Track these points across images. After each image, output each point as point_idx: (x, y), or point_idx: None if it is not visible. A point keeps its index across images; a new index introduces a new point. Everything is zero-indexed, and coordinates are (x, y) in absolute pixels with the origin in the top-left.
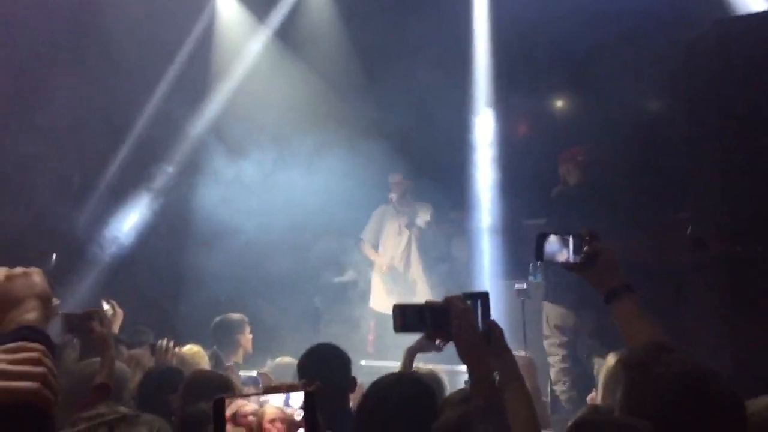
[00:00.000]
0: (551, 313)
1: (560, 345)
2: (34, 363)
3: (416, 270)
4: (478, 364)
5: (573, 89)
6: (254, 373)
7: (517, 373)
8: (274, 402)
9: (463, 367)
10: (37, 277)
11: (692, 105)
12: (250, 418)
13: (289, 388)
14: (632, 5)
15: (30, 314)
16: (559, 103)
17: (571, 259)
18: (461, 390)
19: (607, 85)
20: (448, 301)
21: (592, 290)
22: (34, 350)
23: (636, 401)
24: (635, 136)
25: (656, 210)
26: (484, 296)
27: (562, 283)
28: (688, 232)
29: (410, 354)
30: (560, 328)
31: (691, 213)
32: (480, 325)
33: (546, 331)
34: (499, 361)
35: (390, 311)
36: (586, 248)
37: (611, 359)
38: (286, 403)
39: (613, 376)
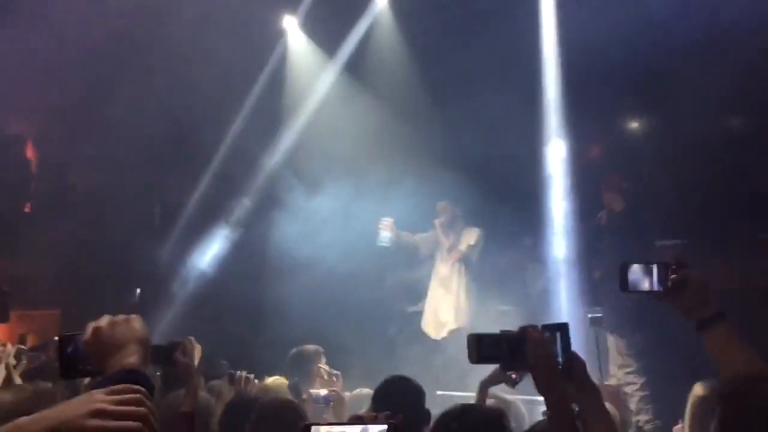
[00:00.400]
0: (619, 342)
1: (636, 372)
2: (137, 404)
3: (461, 295)
4: (556, 395)
5: (646, 111)
6: (325, 392)
7: (603, 408)
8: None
9: (542, 398)
10: (137, 323)
11: None
12: None
13: (372, 420)
14: (706, 22)
15: (131, 358)
16: (633, 125)
17: (656, 288)
18: (540, 422)
19: (682, 105)
20: (525, 331)
21: (647, 313)
22: (136, 392)
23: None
24: (715, 156)
25: (744, 231)
26: (564, 328)
27: (620, 308)
28: None
29: (483, 387)
30: (633, 356)
31: None
32: (560, 357)
33: (618, 360)
34: (582, 395)
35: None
36: (673, 276)
37: (699, 389)
38: None
39: (703, 406)
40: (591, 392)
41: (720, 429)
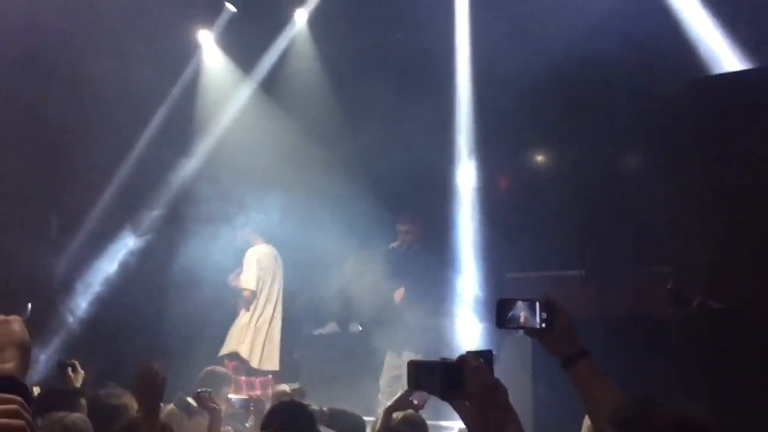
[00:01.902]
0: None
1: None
2: (14, 416)
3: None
4: (492, 422)
5: (552, 143)
6: (244, 396)
7: (502, 430)
8: None
9: (445, 422)
10: (17, 325)
11: (671, 159)
12: None
13: None
14: (611, 58)
15: (8, 364)
16: (538, 157)
17: (537, 325)
18: None
19: (588, 139)
20: (463, 359)
21: None
22: (11, 402)
23: None
24: (615, 189)
25: (633, 263)
26: (488, 354)
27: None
28: (669, 285)
29: (388, 413)
30: None
31: (670, 267)
32: None
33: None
34: (501, 420)
35: None
36: (543, 314)
37: (588, 420)
38: None
39: None
40: (513, 420)
41: None
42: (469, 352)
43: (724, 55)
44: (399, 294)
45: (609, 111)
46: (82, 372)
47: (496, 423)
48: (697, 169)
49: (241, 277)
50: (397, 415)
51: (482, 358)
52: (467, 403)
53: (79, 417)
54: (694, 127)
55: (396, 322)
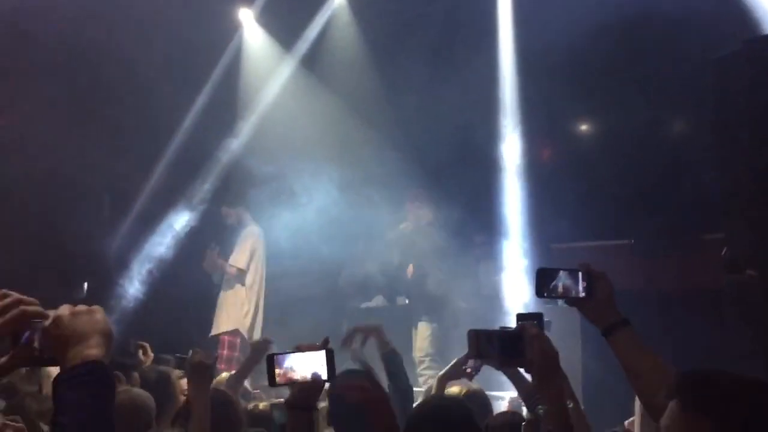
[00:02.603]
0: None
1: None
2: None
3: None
4: (553, 389)
5: (599, 111)
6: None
7: (563, 397)
8: None
9: (499, 393)
10: (99, 314)
11: (722, 124)
12: None
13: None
14: (660, 25)
15: (94, 350)
16: (584, 126)
17: (581, 294)
18: (503, 413)
19: (634, 106)
20: (522, 327)
21: None
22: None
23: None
24: (664, 156)
25: (686, 231)
26: (539, 317)
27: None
28: (723, 253)
29: (441, 381)
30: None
31: (724, 235)
32: None
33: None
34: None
35: None
36: (584, 283)
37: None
38: None
39: (644, 406)
40: (557, 379)
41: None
42: (529, 321)
43: None
44: (409, 270)
45: (656, 76)
46: (152, 355)
47: (557, 389)
48: (750, 133)
49: (234, 255)
50: (459, 389)
51: (534, 321)
52: (526, 370)
53: (143, 392)
54: (747, 90)
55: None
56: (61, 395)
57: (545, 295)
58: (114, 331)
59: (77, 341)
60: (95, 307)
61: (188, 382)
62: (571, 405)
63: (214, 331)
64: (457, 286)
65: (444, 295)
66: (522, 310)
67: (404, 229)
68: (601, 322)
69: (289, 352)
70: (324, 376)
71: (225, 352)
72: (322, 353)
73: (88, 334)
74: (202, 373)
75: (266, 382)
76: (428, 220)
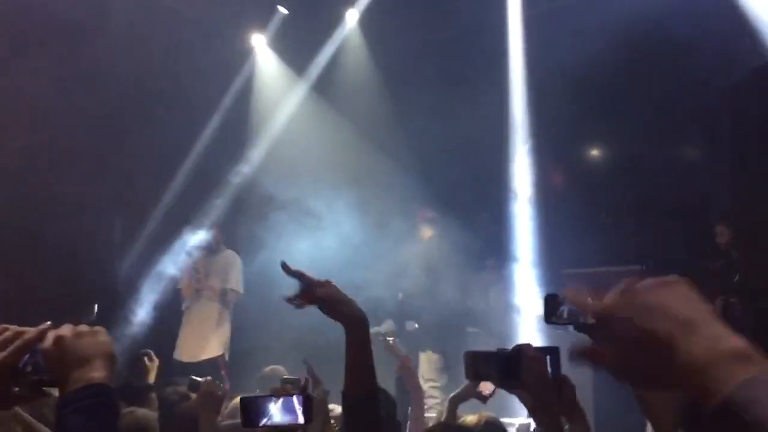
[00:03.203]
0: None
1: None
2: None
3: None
4: (548, 413)
5: (611, 138)
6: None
7: (587, 429)
8: None
9: (510, 419)
10: (103, 336)
11: (735, 150)
12: None
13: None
14: (670, 53)
15: (98, 372)
16: (596, 151)
17: (587, 320)
18: None
19: (647, 132)
20: (520, 349)
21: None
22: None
23: None
24: (674, 182)
25: (695, 258)
26: (555, 351)
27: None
28: (736, 280)
29: (453, 402)
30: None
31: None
32: (552, 378)
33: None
34: (569, 417)
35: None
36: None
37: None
38: None
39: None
40: (579, 415)
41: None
42: (527, 343)
43: None
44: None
45: (667, 103)
46: (156, 360)
47: (553, 412)
48: (762, 158)
49: (236, 281)
50: (477, 417)
51: (549, 354)
52: (524, 392)
53: (149, 413)
54: (756, 116)
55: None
56: (64, 419)
57: (553, 321)
58: (120, 354)
59: (80, 363)
60: (98, 328)
61: (198, 411)
62: None
63: (208, 355)
64: (467, 310)
65: (454, 317)
66: (532, 335)
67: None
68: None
69: (266, 396)
70: (300, 420)
71: (224, 373)
72: (299, 398)
73: (92, 357)
74: (212, 402)
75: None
76: (432, 236)
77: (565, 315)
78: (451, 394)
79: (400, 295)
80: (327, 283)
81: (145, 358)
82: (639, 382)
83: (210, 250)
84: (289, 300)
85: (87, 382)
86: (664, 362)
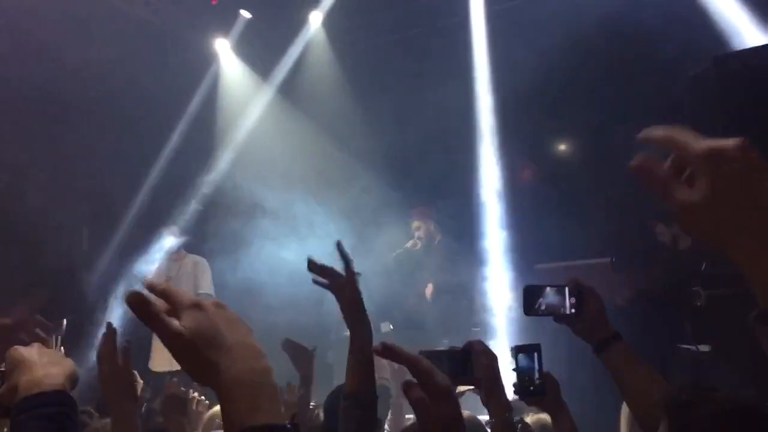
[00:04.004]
0: None
1: None
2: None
3: None
4: (497, 406)
5: (576, 131)
6: None
7: (572, 425)
8: None
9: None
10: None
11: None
12: None
13: None
14: (634, 44)
15: (59, 378)
16: (561, 146)
17: (568, 311)
18: None
19: (612, 124)
20: (470, 345)
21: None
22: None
23: None
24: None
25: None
26: (538, 348)
27: None
28: (703, 268)
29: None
30: None
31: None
32: (537, 376)
33: None
34: (553, 412)
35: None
36: (572, 299)
37: (626, 408)
38: None
39: (638, 421)
40: (561, 410)
41: None
42: (476, 339)
43: (745, 30)
44: (429, 290)
45: (629, 94)
46: (141, 382)
47: (502, 403)
48: None
49: (207, 284)
50: None
51: (535, 352)
52: (475, 386)
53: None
54: (718, 105)
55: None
56: (23, 426)
57: (533, 313)
58: (92, 367)
59: (39, 368)
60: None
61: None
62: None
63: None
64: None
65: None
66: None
67: (412, 248)
68: (592, 338)
69: None
70: None
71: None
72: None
73: (53, 364)
74: (177, 405)
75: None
76: (434, 236)
77: (543, 307)
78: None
79: (390, 326)
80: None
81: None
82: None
83: (178, 256)
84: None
85: (47, 388)
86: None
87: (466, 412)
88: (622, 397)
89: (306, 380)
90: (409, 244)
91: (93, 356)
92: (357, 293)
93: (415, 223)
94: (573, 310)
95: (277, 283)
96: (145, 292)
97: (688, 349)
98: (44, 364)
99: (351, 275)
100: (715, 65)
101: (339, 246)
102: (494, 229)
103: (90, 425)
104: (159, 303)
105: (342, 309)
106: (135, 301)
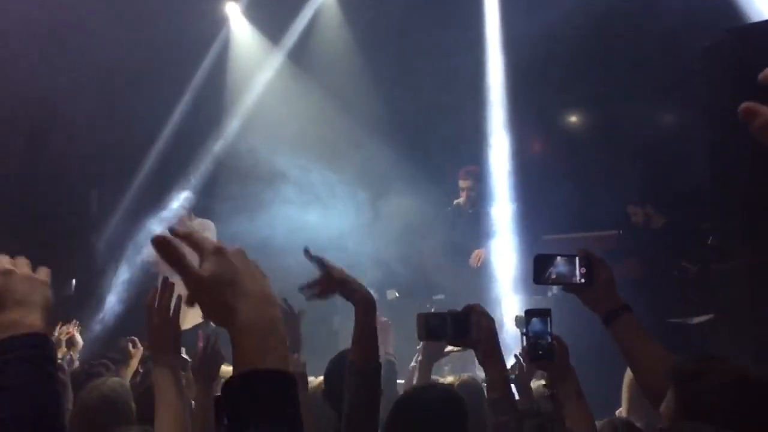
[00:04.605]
0: None
1: None
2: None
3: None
4: (495, 366)
5: (585, 103)
6: None
7: (578, 390)
8: None
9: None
10: (43, 279)
11: (710, 114)
12: None
13: None
14: (644, 16)
15: (35, 319)
16: (570, 118)
17: (578, 280)
18: None
19: (622, 98)
20: (470, 308)
21: None
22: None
23: (696, 411)
24: (652, 147)
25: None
26: (548, 312)
27: None
28: (710, 242)
29: (424, 367)
30: None
31: (713, 222)
32: (548, 339)
33: None
34: (560, 376)
35: None
36: (582, 269)
37: (629, 375)
38: None
39: (644, 391)
40: (569, 374)
41: (680, 409)
42: (533, 315)
43: (760, 2)
44: (478, 255)
45: (642, 66)
46: (141, 348)
47: (499, 365)
48: (736, 120)
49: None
50: (453, 378)
51: (547, 317)
52: (473, 347)
53: (116, 381)
54: (732, 78)
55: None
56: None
57: (543, 281)
58: (101, 333)
59: (13, 306)
60: (41, 270)
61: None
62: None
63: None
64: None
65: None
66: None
67: (463, 205)
68: (602, 309)
69: None
70: None
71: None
72: None
73: (30, 302)
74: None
75: None
76: (475, 200)
77: (554, 276)
78: (417, 359)
79: (396, 294)
80: (340, 270)
81: (129, 344)
82: None
83: (186, 218)
84: (306, 288)
85: (26, 330)
86: None
87: (465, 375)
88: (629, 368)
89: (294, 345)
90: (461, 199)
91: (101, 316)
92: (349, 276)
93: (466, 182)
94: (583, 280)
95: (282, 248)
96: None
97: (680, 323)
98: (24, 300)
99: (328, 274)
100: (731, 36)
101: (307, 253)
102: (503, 200)
103: (104, 375)
104: (182, 248)
105: (340, 294)
106: (160, 243)
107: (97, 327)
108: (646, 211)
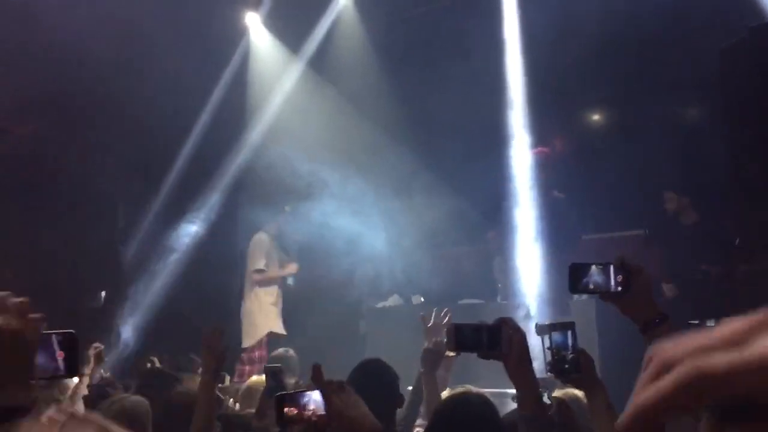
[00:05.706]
0: None
1: None
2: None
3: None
4: (526, 381)
5: (607, 103)
6: None
7: (607, 402)
8: None
9: (510, 390)
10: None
11: (731, 112)
12: None
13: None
14: (665, 14)
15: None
16: (593, 117)
17: (613, 289)
18: (511, 412)
19: (643, 96)
20: (501, 321)
21: None
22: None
23: None
24: (674, 146)
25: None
26: (572, 326)
27: None
28: (736, 243)
29: (429, 377)
30: None
31: (734, 221)
32: (570, 353)
33: None
34: (588, 389)
35: None
36: (619, 277)
37: None
38: None
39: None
40: (597, 386)
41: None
42: (508, 317)
43: None
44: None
45: (665, 65)
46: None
47: (528, 380)
48: (758, 119)
49: (257, 261)
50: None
51: (569, 330)
52: (503, 361)
53: (138, 400)
54: (755, 78)
55: None
56: None
57: (579, 291)
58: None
59: None
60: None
61: (202, 360)
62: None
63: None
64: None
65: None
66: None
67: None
68: (639, 318)
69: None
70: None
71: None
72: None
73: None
74: (212, 347)
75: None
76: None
77: (591, 285)
78: (421, 371)
79: (421, 299)
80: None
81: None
82: None
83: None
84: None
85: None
86: None
87: (474, 389)
88: None
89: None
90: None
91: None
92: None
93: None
94: (619, 288)
95: (309, 255)
96: None
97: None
98: None
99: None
100: (751, 36)
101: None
102: (525, 201)
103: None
104: None
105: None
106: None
107: (126, 338)
108: (682, 201)
